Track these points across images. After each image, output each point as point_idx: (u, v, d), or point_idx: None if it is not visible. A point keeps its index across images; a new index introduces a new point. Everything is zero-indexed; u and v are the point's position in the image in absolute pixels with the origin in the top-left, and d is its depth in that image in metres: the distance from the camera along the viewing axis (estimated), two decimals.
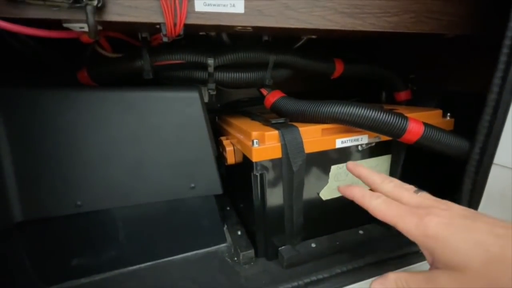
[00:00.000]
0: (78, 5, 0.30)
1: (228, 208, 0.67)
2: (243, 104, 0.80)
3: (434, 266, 0.23)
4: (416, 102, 0.72)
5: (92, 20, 0.31)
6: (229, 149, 0.53)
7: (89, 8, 0.30)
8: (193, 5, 0.36)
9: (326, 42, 0.64)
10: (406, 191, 0.29)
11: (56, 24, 0.35)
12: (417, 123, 0.44)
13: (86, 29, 0.35)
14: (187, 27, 0.37)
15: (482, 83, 0.44)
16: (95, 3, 0.31)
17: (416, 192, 0.30)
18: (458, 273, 0.20)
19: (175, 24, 0.35)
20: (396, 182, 0.32)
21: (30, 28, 0.33)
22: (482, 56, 0.56)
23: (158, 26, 0.37)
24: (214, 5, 0.37)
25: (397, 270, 0.47)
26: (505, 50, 0.39)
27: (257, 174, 0.46)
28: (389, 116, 0.44)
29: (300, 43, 0.59)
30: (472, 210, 0.24)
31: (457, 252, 0.21)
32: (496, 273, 0.18)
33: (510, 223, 0.21)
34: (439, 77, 0.67)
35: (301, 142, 0.46)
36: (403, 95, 0.72)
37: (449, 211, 0.24)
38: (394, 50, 0.79)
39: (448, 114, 0.56)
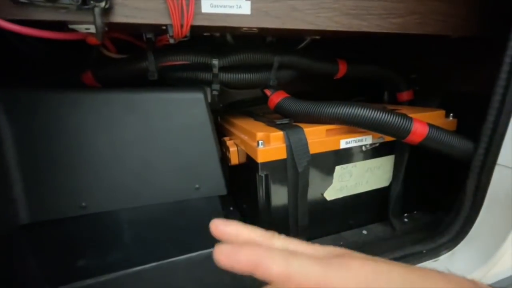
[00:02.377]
0: (86, 7, 0.30)
1: (231, 208, 0.67)
2: (245, 104, 0.80)
3: None
4: (418, 102, 0.73)
5: (99, 21, 0.31)
6: (232, 149, 0.53)
7: (96, 10, 0.30)
8: (199, 7, 0.36)
9: (329, 43, 0.64)
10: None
11: (60, 26, 0.35)
12: (421, 124, 0.45)
13: (92, 30, 0.35)
14: (193, 28, 0.37)
15: (484, 84, 0.45)
16: (102, 4, 0.31)
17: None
18: None
19: (182, 26, 0.35)
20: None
21: (36, 29, 0.32)
22: (485, 56, 0.57)
23: (164, 28, 0.37)
24: (221, 6, 0.36)
25: None
26: (509, 52, 0.39)
27: (262, 175, 0.46)
28: (394, 117, 0.44)
29: (304, 43, 0.59)
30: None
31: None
32: None
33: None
34: (441, 77, 0.67)
35: (306, 143, 0.46)
36: (405, 95, 0.73)
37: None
38: (396, 50, 0.79)
39: (451, 114, 0.56)
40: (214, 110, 0.76)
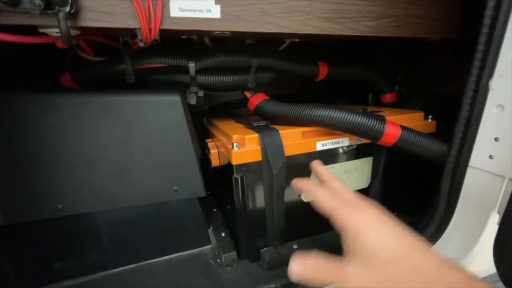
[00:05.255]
0: (50, 11, 0.30)
1: (214, 210, 0.67)
2: (230, 106, 0.81)
3: (348, 256, 0.24)
4: (403, 104, 0.73)
5: (64, 26, 0.31)
6: (213, 151, 0.53)
7: (61, 14, 0.31)
8: (168, 11, 0.36)
9: (311, 45, 0.64)
10: (349, 192, 0.30)
11: (34, 30, 0.35)
12: (394, 126, 0.45)
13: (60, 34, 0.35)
14: (163, 32, 0.37)
15: (462, 86, 0.45)
16: (67, 9, 0.31)
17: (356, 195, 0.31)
18: (369, 263, 0.22)
19: (150, 30, 0.36)
20: (341, 183, 0.33)
21: (3, 34, 0.33)
22: (463, 59, 0.57)
23: (135, 31, 0.37)
24: (190, 10, 0.37)
25: None
26: (478, 55, 0.40)
27: (237, 177, 0.47)
28: (367, 119, 0.44)
29: (284, 46, 0.59)
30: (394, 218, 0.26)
31: (377, 242, 0.23)
32: (398, 269, 0.21)
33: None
34: (424, 79, 0.68)
35: (281, 145, 0.46)
36: (388, 97, 0.73)
37: (380, 212, 0.26)
38: (381, 53, 0.80)
39: (430, 116, 0.57)
40: (199, 112, 0.77)
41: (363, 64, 0.72)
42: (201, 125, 0.69)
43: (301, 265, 0.25)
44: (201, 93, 0.56)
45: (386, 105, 0.74)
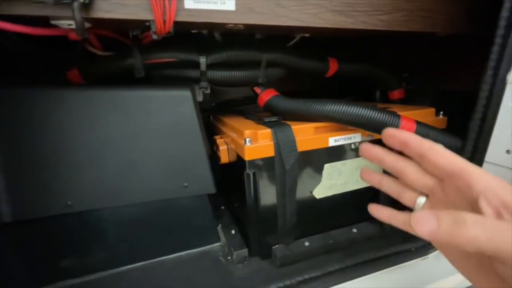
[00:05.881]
0: (65, 1, 0.30)
1: (222, 208, 0.67)
2: (237, 103, 0.80)
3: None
4: (410, 100, 0.73)
5: (79, 16, 0.31)
6: (222, 148, 0.53)
7: (75, 4, 0.30)
8: (182, 2, 0.35)
9: (320, 41, 0.64)
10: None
11: (44, 22, 0.34)
12: (409, 121, 0.44)
13: (74, 26, 0.34)
14: (177, 24, 0.37)
15: (474, 82, 0.44)
16: None
17: None
18: None
19: (164, 22, 0.35)
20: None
21: (15, 24, 0.32)
22: (475, 54, 0.57)
23: (147, 24, 0.37)
24: (205, 2, 0.36)
25: (390, 268, 0.47)
26: (496, 48, 0.39)
27: (249, 172, 0.46)
28: (381, 114, 0.44)
29: (294, 41, 0.58)
30: None
31: None
32: None
33: None
34: (433, 75, 0.67)
35: (294, 141, 0.45)
36: (396, 94, 0.73)
37: None
38: (388, 49, 0.79)
39: (441, 112, 0.56)
40: (206, 109, 0.76)
41: (370, 60, 0.71)
42: (207, 122, 0.69)
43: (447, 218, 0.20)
44: (207, 90, 0.56)
45: (394, 102, 0.73)
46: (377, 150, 0.31)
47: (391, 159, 0.30)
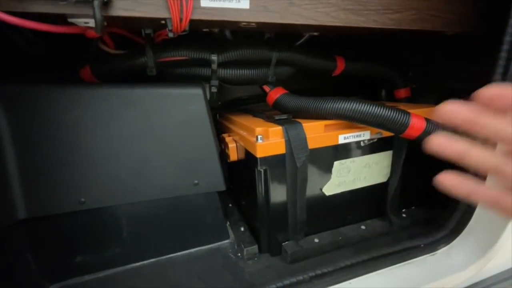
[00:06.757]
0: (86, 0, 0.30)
1: (230, 205, 0.67)
2: (243, 101, 0.81)
3: None
4: (415, 99, 0.73)
5: (99, 14, 0.31)
6: (231, 146, 0.53)
7: (96, 3, 0.30)
8: (198, 1, 0.36)
9: (327, 40, 0.64)
10: None
11: (59, 20, 0.35)
12: (418, 119, 0.45)
13: (91, 24, 0.34)
14: (192, 22, 0.37)
15: (481, 80, 0.45)
16: None
17: None
18: None
19: (181, 20, 0.35)
20: None
21: (34, 22, 0.32)
22: (481, 54, 0.57)
23: (163, 22, 0.37)
24: (220, 0, 0.37)
25: (399, 264, 0.48)
26: (505, 47, 0.40)
27: (261, 170, 0.46)
28: (392, 112, 0.44)
29: (302, 40, 0.59)
30: None
31: None
32: None
33: None
34: (439, 74, 0.68)
35: (305, 138, 0.46)
36: (402, 93, 0.73)
37: None
38: (394, 48, 0.80)
39: None
40: (212, 107, 0.77)
41: (375, 59, 0.72)
42: (213, 121, 0.69)
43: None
44: (215, 89, 0.56)
45: (400, 100, 0.74)
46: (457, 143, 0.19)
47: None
